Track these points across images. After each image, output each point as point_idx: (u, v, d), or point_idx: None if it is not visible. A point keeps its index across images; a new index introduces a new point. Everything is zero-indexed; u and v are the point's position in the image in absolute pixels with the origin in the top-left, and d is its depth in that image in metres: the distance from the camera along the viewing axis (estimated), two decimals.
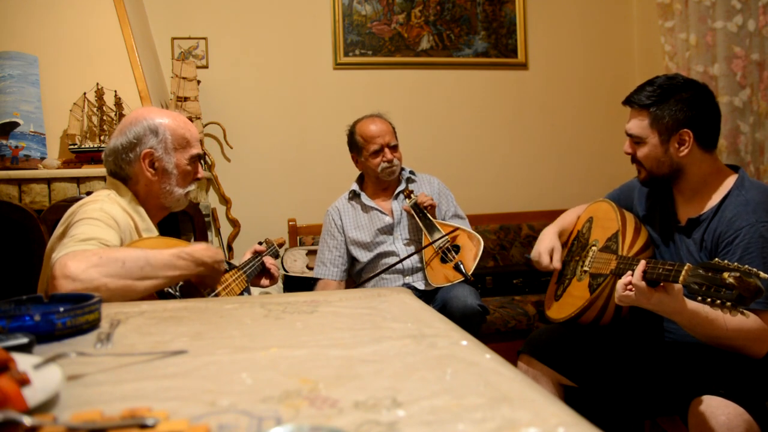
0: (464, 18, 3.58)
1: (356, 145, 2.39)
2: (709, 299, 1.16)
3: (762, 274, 1.12)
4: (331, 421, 0.53)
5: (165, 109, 1.62)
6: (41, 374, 0.61)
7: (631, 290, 1.33)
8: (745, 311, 1.14)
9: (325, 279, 2.38)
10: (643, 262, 1.32)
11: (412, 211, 2.29)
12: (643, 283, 1.30)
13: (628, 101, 1.56)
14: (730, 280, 1.12)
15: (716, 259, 1.21)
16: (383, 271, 2.27)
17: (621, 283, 1.36)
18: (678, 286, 1.26)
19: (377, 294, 1.15)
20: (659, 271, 1.28)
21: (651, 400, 1.52)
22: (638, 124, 1.53)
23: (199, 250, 1.33)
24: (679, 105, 1.47)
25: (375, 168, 2.35)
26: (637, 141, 1.55)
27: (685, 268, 1.22)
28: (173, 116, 1.56)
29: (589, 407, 1.33)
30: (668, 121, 1.48)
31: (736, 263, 1.16)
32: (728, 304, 1.13)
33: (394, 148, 2.36)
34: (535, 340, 1.71)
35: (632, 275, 1.32)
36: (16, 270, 1.84)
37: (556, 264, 1.75)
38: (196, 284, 1.38)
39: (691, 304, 1.30)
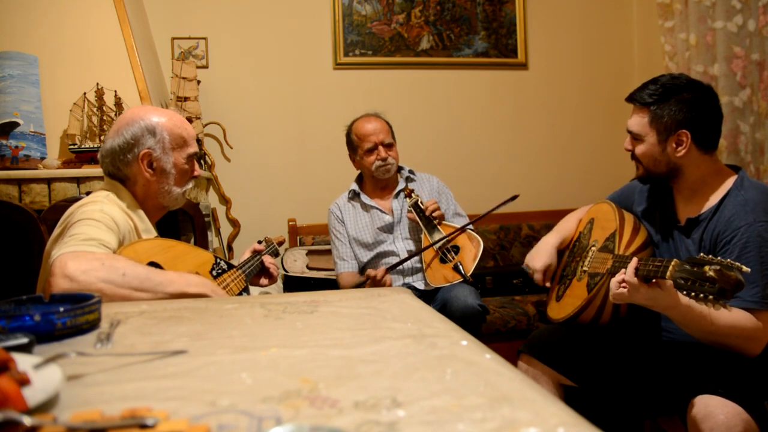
0: (464, 18, 3.58)
1: (352, 144, 2.43)
2: (693, 294, 1.17)
3: (744, 268, 1.13)
4: (331, 421, 0.53)
5: (160, 108, 1.61)
6: (41, 374, 0.61)
7: (624, 287, 1.34)
8: (727, 305, 1.15)
9: (347, 272, 2.40)
10: (635, 260, 1.33)
11: (413, 211, 2.29)
12: (636, 280, 1.31)
13: (631, 98, 1.57)
14: (711, 273, 1.13)
15: (701, 254, 1.22)
16: (388, 271, 2.27)
17: (614, 281, 1.37)
18: (670, 282, 1.27)
19: (377, 294, 1.15)
20: (650, 267, 1.29)
21: (650, 399, 1.53)
22: (638, 122, 1.54)
23: (195, 277, 1.33)
24: (680, 105, 1.48)
25: (369, 166, 2.37)
26: (636, 138, 1.56)
27: (672, 263, 1.24)
28: (169, 115, 1.54)
29: (589, 407, 1.33)
30: (667, 121, 1.49)
31: (719, 257, 1.17)
32: (710, 297, 1.14)
33: (388, 147, 2.37)
34: (535, 340, 1.71)
35: (625, 273, 1.33)
36: (16, 270, 1.84)
37: (548, 284, 1.81)
38: None
39: (685, 300, 1.31)
